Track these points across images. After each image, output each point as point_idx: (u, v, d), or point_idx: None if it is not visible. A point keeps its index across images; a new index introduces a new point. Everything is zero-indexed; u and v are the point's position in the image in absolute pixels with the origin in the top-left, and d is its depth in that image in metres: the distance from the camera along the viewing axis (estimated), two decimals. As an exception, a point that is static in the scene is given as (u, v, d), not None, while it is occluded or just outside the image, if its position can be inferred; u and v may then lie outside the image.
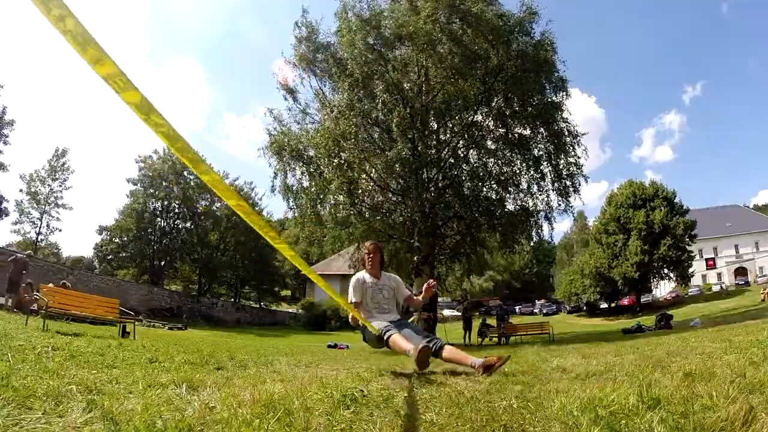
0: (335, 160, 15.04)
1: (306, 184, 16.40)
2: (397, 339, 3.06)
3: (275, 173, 16.35)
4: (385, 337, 3.16)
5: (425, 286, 3.52)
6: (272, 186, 16.49)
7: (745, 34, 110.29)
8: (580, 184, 15.47)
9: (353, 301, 3.52)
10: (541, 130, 15.49)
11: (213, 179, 1.12)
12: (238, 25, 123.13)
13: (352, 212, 16.17)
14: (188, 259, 42.10)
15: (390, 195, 16.46)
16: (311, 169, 16.01)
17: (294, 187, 16.41)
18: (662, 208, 36.92)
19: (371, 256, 3.67)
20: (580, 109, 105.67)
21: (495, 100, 15.43)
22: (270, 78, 17.03)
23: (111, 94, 0.86)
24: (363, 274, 3.67)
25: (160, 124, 0.95)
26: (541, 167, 15.58)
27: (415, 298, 3.78)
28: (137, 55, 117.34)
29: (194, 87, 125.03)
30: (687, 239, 37.21)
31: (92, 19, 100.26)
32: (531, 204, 15.98)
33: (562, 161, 15.40)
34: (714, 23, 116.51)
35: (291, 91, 16.58)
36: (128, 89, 0.87)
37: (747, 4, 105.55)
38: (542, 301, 52.46)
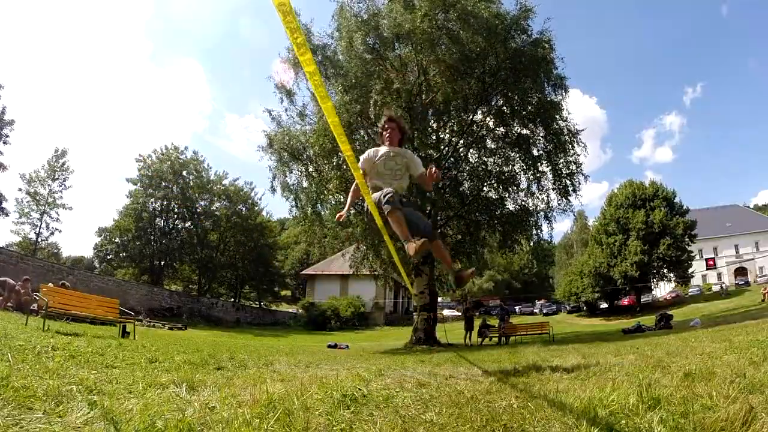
0: (333, 160, 15.04)
1: (305, 184, 16.42)
2: (400, 218, 2.87)
3: (274, 174, 16.37)
4: (386, 209, 2.90)
5: (428, 171, 3.18)
6: (272, 186, 16.51)
7: (745, 35, 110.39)
8: (579, 183, 15.47)
9: (362, 170, 3.21)
10: (541, 128, 15.48)
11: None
12: (238, 25, 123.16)
13: (351, 212, 16.17)
14: (188, 259, 42.06)
15: (389, 195, 16.43)
16: (310, 169, 16.01)
17: (293, 187, 16.43)
18: (662, 208, 36.90)
19: (389, 130, 3.37)
20: (581, 109, 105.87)
21: (494, 99, 15.42)
22: (270, 79, 16.87)
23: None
24: (379, 147, 3.42)
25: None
26: (541, 166, 15.58)
27: (425, 179, 3.37)
28: (139, 56, 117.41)
29: (196, 88, 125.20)
30: (687, 239, 37.18)
31: (95, 21, 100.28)
32: (531, 204, 15.98)
33: (561, 160, 15.39)
34: (714, 24, 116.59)
35: (288, 93, 16.58)
36: None
37: (747, 4, 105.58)
38: (542, 301, 52.41)
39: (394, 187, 3.20)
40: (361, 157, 3.40)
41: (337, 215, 3.58)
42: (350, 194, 3.59)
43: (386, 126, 3.41)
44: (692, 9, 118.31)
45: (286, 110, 16.75)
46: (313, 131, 15.20)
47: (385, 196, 2.95)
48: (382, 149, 3.39)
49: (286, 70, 16.44)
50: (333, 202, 16.32)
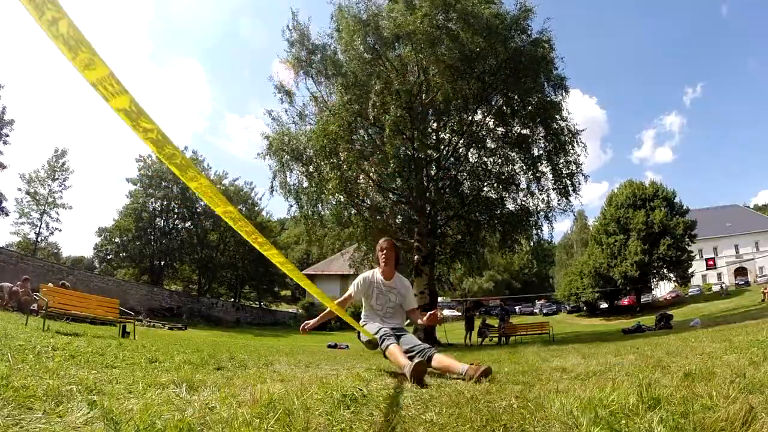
0: (332, 160, 15.05)
1: (305, 184, 16.42)
2: (395, 351, 2.93)
3: (274, 174, 16.37)
4: (382, 347, 3.05)
5: (430, 314, 3.31)
6: (271, 187, 16.52)
7: (745, 35, 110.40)
8: (579, 183, 15.50)
9: (348, 294, 3.41)
10: (541, 128, 15.50)
11: (200, 185, 1.08)
12: (238, 25, 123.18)
13: (352, 212, 16.18)
14: (188, 259, 42.05)
15: (389, 194, 16.45)
16: (310, 169, 16.02)
17: (293, 187, 16.43)
18: (662, 208, 36.90)
19: (385, 252, 3.45)
20: (581, 109, 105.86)
21: (494, 98, 15.43)
22: (269, 79, 16.83)
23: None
24: (374, 274, 3.49)
25: (150, 129, 0.92)
26: (541, 166, 15.59)
27: (418, 316, 3.48)
28: (140, 56, 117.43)
29: (196, 88, 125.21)
30: (687, 239, 37.19)
31: (96, 22, 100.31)
32: (531, 203, 16.00)
33: (561, 160, 15.40)
34: (714, 25, 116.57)
35: (288, 93, 16.58)
36: (118, 94, 0.84)
37: (746, 5, 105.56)
38: (542, 301, 52.41)
39: (385, 325, 3.28)
40: (354, 283, 3.46)
41: (301, 327, 3.54)
42: (323, 314, 3.53)
43: (383, 251, 3.47)
44: (692, 9, 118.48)
45: (286, 111, 16.78)
46: (313, 132, 15.21)
47: (380, 338, 3.07)
48: (377, 277, 3.46)
49: (286, 71, 16.46)
50: (333, 202, 16.34)
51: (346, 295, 3.45)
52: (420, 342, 3.12)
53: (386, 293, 3.43)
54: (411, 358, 2.81)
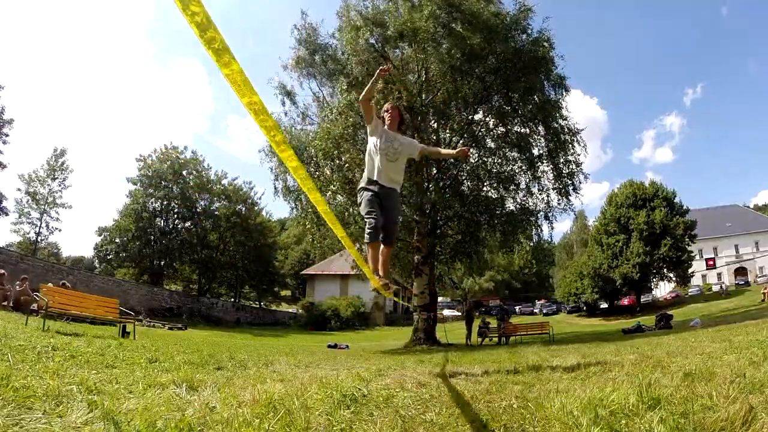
0: (335, 161, 15.05)
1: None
2: (370, 255, 3.50)
3: (276, 175, 16.37)
4: (366, 240, 3.42)
5: (462, 149, 3.53)
6: (274, 188, 16.57)
7: (745, 35, 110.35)
8: (580, 183, 15.48)
9: (374, 97, 3.69)
10: (541, 128, 15.49)
11: (232, 71, 1.15)
12: (239, 25, 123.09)
13: (352, 213, 16.17)
14: (188, 259, 42.03)
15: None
16: (311, 170, 16.01)
17: (294, 188, 16.43)
18: (662, 208, 36.88)
19: (390, 113, 3.64)
20: (581, 110, 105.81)
21: (494, 98, 15.43)
22: (271, 80, 16.78)
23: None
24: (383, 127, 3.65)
25: (197, 12, 0.98)
26: (541, 166, 15.59)
27: (443, 150, 3.85)
28: (141, 57, 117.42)
29: (197, 89, 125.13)
30: (687, 239, 37.17)
31: (97, 23, 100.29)
32: (531, 203, 15.98)
33: (561, 159, 15.40)
34: (714, 25, 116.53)
35: (289, 94, 16.57)
36: None
37: (746, 5, 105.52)
38: (542, 301, 52.41)
39: (386, 170, 3.50)
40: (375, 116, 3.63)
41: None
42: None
43: (388, 110, 3.67)
44: (692, 10, 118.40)
45: (286, 113, 16.78)
46: (316, 133, 15.21)
47: (368, 225, 3.38)
48: (384, 129, 3.64)
49: (289, 71, 16.47)
50: (334, 204, 16.34)
51: (372, 98, 3.81)
52: (393, 222, 3.52)
53: (391, 140, 3.56)
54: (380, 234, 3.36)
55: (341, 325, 32.80)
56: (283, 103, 16.69)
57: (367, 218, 3.38)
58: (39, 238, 37.30)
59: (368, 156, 3.64)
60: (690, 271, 38.12)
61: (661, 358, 3.36)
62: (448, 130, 16.34)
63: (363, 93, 3.51)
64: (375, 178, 3.49)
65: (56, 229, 37.59)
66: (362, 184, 3.61)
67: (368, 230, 3.36)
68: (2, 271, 12.04)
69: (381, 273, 3.44)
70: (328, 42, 15.91)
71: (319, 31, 15.83)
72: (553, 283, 61.91)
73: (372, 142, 3.58)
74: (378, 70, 3.49)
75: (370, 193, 3.45)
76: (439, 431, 1.54)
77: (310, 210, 16.28)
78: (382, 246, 3.45)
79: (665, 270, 37.69)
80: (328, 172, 15.24)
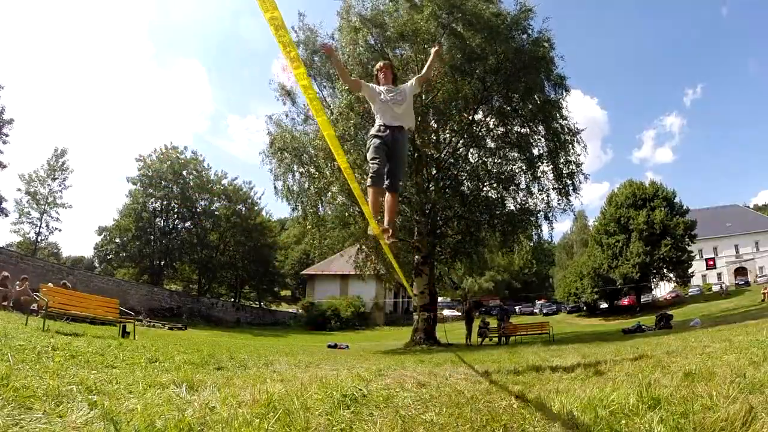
0: (335, 162, 15.05)
1: (306, 185, 16.42)
2: (370, 199, 3.40)
3: (276, 175, 16.38)
4: (368, 183, 3.38)
5: (435, 50, 3.69)
6: (275, 189, 16.58)
7: (745, 35, 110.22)
8: (580, 183, 15.49)
9: (354, 78, 3.88)
10: (541, 128, 15.50)
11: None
12: (240, 26, 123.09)
13: (353, 213, 16.18)
14: (188, 259, 42.05)
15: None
16: (312, 170, 16.02)
17: (295, 189, 16.44)
18: (662, 208, 36.89)
19: (383, 71, 3.72)
20: (582, 110, 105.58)
21: (494, 98, 15.44)
22: (270, 83, 16.80)
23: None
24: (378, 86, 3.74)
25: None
26: (541, 166, 15.59)
27: (428, 65, 3.83)
28: (142, 57, 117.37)
29: (198, 89, 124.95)
30: (687, 239, 37.17)
31: (97, 23, 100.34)
32: (531, 203, 15.99)
33: (561, 159, 15.40)
34: (714, 26, 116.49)
35: (289, 94, 16.58)
36: None
37: (746, 6, 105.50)
38: (542, 301, 52.39)
39: (397, 112, 3.58)
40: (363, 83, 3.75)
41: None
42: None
43: (381, 68, 3.78)
44: (692, 10, 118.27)
45: (287, 114, 16.80)
46: (316, 132, 15.21)
47: (371, 170, 3.40)
48: (381, 87, 3.72)
49: (287, 71, 16.45)
50: (334, 204, 16.35)
51: (353, 78, 3.90)
52: (399, 170, 3.55)
53: (392, 90, 3.68)
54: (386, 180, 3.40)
55: (341, 325, 32.80)
56: (284, 103, 16.71)
57: (372, 163, 3.42)
58: (39, 238, 37.32)
59: (377, 112, 3.70)
60: (690, 271, 38.12)
61: (661, 358, 3.37)
62: (448, 131, 16.34)
63: (341, 79, 3.73)
64: (384, 122, 3.55)
65: (56, 229, 37.64)
66: (372, 131, 3.65)
67: (371, 174, 3.38)
68: (6, 273, 12.06)
69: (386, 220, 3.46)
70: (327, 43, 15.91)
71: (318, 32, 15.83)
72: (553, 283, 61.87)
73: (376, 100, 3.65)
74: (321, 47, 3.67)
75: (378, 140, 3.49)
76: (439, 431, 1.54)
77: (310, 210, 16.30)
78: (387, 194, 3.48)
79: (665, 270, 37.69)
80: (328, 173, 15.24)
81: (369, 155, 3.53)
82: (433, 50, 3.72)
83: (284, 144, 15.75)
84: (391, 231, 3.40)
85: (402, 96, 3.63)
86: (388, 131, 3.50)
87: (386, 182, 3.41)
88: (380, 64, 3.84)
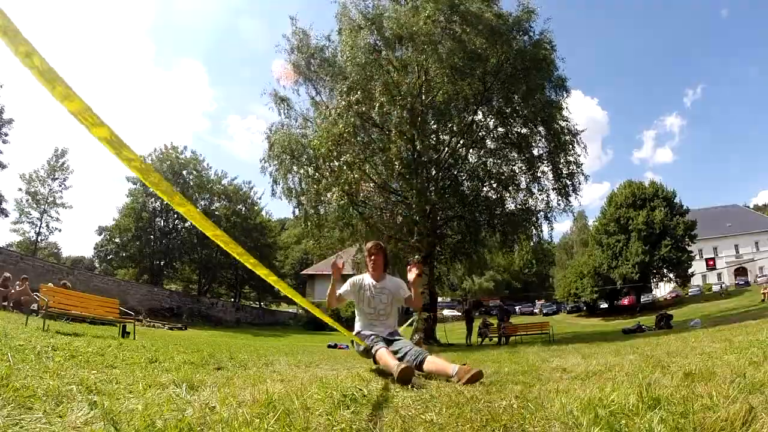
0: (335, 162, 15.04)
1: (306, 186, 16.42)
2: (383, 354, 2.94)
3: (275, 179, 16.37)
4: (372, 351, 3.05)
5: (410, 270, 3.34)
6: (272, 191, 16.57)
7: (745, 36, 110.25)
8: (580, 183, 15.51)
9: (338, 294, 3.47)
10: (541, 129, 15.50)
11: (189, 211, 1.13)
12: (241, 27, 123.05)
13: (353, 213, 16.17)
14: (188, 259, 42.04)
15: (390, 195, 16.45)
16: (310, 171, 16.01)
17: (295, 189, 16.43)
18: (662, 208, 36.88)
19: (373, 257, 3.49)
20: (582, 110, 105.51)
21: (495, 99, 15.43)
22: (264, 92, 16.65)
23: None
24: (363, 277, 3.53)
25: (132, 158, 0.96)
26: (541, 166, 15.60)
27: (412, 297, 3.47)
28: (142, 57, 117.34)
29: (198, 89, 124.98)
30: (687, 239, 37.17)
31: (98, 23, 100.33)
32: (531, 204, 15.99)
33: (561, 160, 15.41)
34: (714, 26, 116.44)
35: (283, 100, 16.58)
36: (98, 125, 0.87)
37: (746, 7, 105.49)
38: (542, 301, 52.40)
39: (377, 330, 3.32)
40: (345, 285, 3.49)
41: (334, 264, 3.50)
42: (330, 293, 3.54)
43: (371, 256, 3.50)
44: (692, 11, 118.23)
45: (282, 124, 16.82)
46: (316, 133, 15.21)
47: (370, 344, 3.11)
48: (367, 280, 3.49)
49: (285, 78, 16.48)
50: (334, 205, 16.34)
51: (337, 293, 3.49)
52: (412, 346, 3.11)
53: (377, 295, 3.43)
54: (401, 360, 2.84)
55: (341, 325, 32.77)
56: (279, 113, 16.75)
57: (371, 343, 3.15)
58: (39, 238, 37.33)
59: (358, 310, 3.50)
60: (690, 271, 38.12)
61: (661, 358, 3.37)
62: (447, 131, 16.35)
63: (328, 301, 3.37)
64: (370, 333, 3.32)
65: (56, 229, 37.66)
66: (356, 348, 3.45)
67: (372, 344, 3.11)
68: (7, 274, 12.08)
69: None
70: (324, 44, 15.92)
71: (311, 35, 15.82)
72: (553, 283, 61.86)
73: (358, 298, 3.45)
74: (332, 267, 3.40)
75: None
76: (439, 431, 1.54)
77: (311, 212, 16.29)
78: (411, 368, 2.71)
79: (665, 270, 37.69)
80: (327, 174, 15.24)
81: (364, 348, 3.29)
82: (414, 276, 3.31)
83: (283, 148, 15.74)
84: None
85: (386, 309, 3.42)
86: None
87: (405, 363, 2.73)
88: (371, 249, 3.53)
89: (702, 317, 16.96)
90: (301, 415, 1.64)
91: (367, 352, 3.19)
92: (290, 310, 45.04)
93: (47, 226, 36.71)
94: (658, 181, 40.54)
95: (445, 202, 15.39)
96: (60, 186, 36.82)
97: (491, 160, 16.22)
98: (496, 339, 16.60)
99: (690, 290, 42.09)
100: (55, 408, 1.59)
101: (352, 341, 3.45)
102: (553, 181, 15.55)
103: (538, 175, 15.64)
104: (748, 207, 66.55)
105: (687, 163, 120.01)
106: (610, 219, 39.58)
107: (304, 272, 43.45)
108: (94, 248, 41.23)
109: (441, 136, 16.35)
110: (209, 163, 60.27)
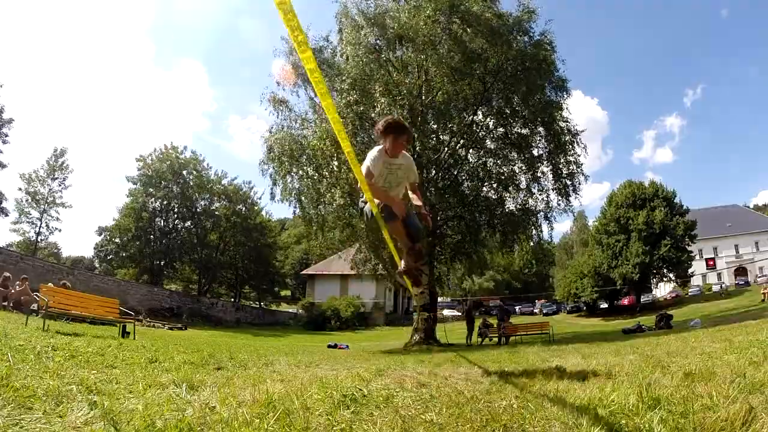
0: (335, 162, 15.03)
1: (306, 187, 16.42)
2: (399, 227, 3.20)
3: (274, 181, 16.35)
4: (386, 220, 3.17)
5: (423, 213, 3.46)
6: (272, 193, 16.55)
7: (745, 36, 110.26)
8: (580, 183, 15.51)
9: (371, 173, 3.25)
10: (541, 129, 15.50)
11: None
12: (241, 27, 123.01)
13: (353, 213, 16.16)
14: (188, 259, 42.04)
15: (390, 196, 16.43)
16: (310, 172, 16.00)
17: (295, 190, 16.42)
18: (662, 208, 36.87)
19: (402, 143, 3.34)
20: (582, 110, 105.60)
21: (495, 99, 15.43)
22: (263, 94, 16.63)
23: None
24: (382, 152, 3.29)
25: None
26: (541, 166, 15.60)
27: (414, 199, 3.53)
28: (142, 57, 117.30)
29: (198, 89, 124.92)
30: (687, 239, 37.17)
31: (98, 23, 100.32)
32: (531, 204, 15.99)
33: (561, 160, 15.41)
34: (714, 27, 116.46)
35: (281, 102, 16.57)
36: None
37: (746, 7, 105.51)
38: (542, 301, 52.39)
39: (391, 195, 3.36)
40: (371, 159, 3.30)
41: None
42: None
43: (406, 135, 3.36)
44: (692, 11, 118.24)
45: (282, 127, 16.81)
46: (314, 133, 15.20)
47: (382, 210, 3.16)
48: (385, 157, 3.34)
49: (284, 80, 16.48)
50: (334, 205, 16.34)
51: (371, 173, 3.27)
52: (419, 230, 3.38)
53: (394, 171, 3.37)
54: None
55: (341, 325, 32.81)
56: (278, 116, 16.74)
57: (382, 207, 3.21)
58: (39, 237, 37.33)
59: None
60: (690, 271, 38.11)
61: (661, 358, 3.36)
62: (447, 132, 16.34)
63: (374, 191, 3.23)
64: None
65: (56, 229, 37.67)
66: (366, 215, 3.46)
67: (383, 211, 3.15)
68: (7, 273, 12.09)
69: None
70: (322, 45, 15.91)
71: (310, 36, 15.83)
72: (553, 283, 61.89)
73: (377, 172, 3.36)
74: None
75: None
76: (439, 431, 1.54)
77: (312, 212, 16.27)
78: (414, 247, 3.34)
79: (665, 270, 37.68)
80: (327, 174, 15.24)
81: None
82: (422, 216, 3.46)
83: (282, 149, 15.72)
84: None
85: (399, 181, 3.43)
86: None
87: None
88: (401, 127, 3.32)
89: (702, 317, 16.96)
90: (301, 415, 1.64)
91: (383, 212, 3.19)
92: (290, 310, 45.05)
93: (47, 225, 36.75)
94: (658, 181, 40.56)
95: (445, 202, 15.38)
96: (60, 186, 36.85)
97: (491, 160, 16.22)
98: (496, 339, 16.59)
99: (690, 290, 42.08)
100: (55, 408, 1.59)
101: (364, 204, 3.47)
102: (553, 181, 15.56)
103: (538, 175, 15.65)
104: (748, 207, 66.54)
105: (687, 163, 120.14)
106: (610, 219, 39.57)
107: (304, 272, 43.46)
108: (94, 248, 41.29)
109: (441, 137, 16.34)
110: (209, 163, 60.40)
